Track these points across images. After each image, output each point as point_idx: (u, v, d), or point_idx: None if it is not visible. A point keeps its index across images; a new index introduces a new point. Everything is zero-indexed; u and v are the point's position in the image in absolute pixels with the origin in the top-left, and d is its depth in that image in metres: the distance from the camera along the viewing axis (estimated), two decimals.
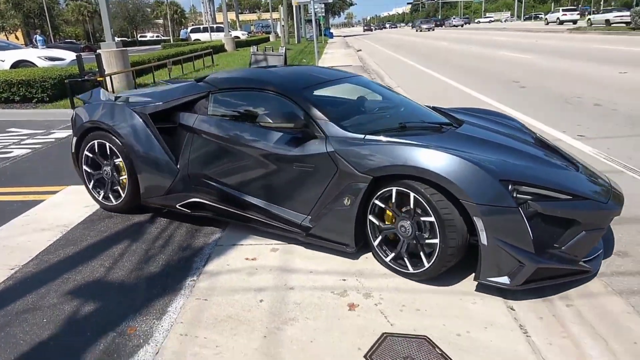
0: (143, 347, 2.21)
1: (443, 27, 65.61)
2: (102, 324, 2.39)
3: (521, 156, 2.84)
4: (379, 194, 2.73)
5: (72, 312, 2.53)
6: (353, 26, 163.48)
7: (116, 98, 3.97)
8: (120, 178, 3.70)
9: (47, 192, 4.43)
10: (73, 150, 3.93)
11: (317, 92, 3.38)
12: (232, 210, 3.27)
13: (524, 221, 2.38)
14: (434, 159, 2.52)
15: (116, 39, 10.98)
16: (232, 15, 51.87)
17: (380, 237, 2.81)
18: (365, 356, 2.08)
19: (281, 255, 3.02)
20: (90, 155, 3.81)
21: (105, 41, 9.60)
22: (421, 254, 2.63)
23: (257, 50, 9.28)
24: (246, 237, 3.29)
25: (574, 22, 40.45)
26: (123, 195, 3.70)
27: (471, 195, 2.39)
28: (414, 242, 2.66)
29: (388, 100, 3.83)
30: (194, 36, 40.82)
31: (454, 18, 76.55)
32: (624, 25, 24.30)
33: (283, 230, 3.08)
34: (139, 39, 57.81)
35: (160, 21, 74.25)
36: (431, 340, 2.17)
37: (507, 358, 2.03)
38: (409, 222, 2.64)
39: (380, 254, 2.82)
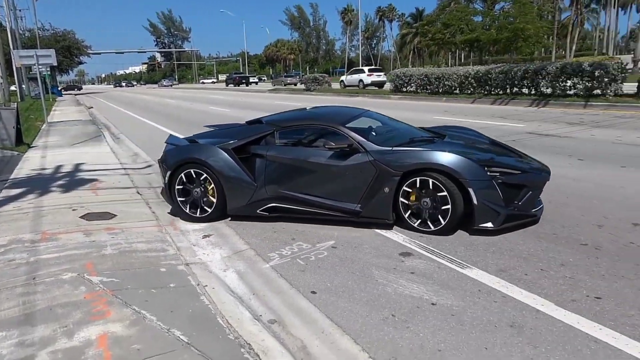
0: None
1: (157, 86, 78.85)
2: None
3: (486, 151, 4.77)
4: (407, 182, 4.21)
5: None
6: (80, 85, 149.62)
7: (190, 140, 5.42)
8: (209, 196, 4.93)
9: None
10: (166, 181, 5.08)
11: (350, 125, 4.84)
12: (302, 208, 4.67)
13: (496, 187, 4.04)
14: (443, 157, 4.11)
15: None
16: None
17: (409, 211, 4.34)
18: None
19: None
20: (185, 180, 4.99)
21: None
22: (440, 217, 4.16)
23: None
24: None
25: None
26: (212, 209, 4.94)
27: (465, 176, 4.00)
28: (433, 211, 4.20)
29: (391, 125, 5.52)
30: None
31: (164, 79, 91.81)
32: (303, 87, 34.01)
33: (340, 217, 4.54)
34: None
35: None
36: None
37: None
38: (428, 198, 4.22)
39: (410, 222, 4.34)
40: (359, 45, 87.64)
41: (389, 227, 4.52)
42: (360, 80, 32.05)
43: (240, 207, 4.89)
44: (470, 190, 3.99)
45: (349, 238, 4.41)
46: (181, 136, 5.86)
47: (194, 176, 4.97)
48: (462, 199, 4.05)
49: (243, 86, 55.56)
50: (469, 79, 19.05)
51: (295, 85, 46.99)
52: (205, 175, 4.90)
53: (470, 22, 31.36)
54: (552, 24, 45.79)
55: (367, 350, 2.68)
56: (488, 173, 4.12)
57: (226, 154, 4.87)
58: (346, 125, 4.75)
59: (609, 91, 14.80)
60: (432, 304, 3.16)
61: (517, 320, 2.90)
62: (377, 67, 44.08)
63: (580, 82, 15.34)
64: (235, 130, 5.50)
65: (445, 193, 4.07)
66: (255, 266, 3.95)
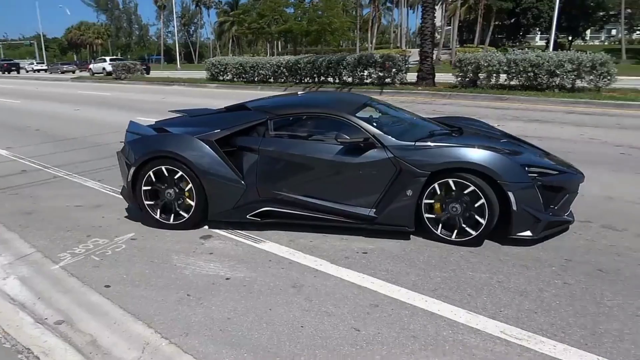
0: None
1: None
2: None
3: (515, 147, 4.10)
4: (434, 184, 3.61)
5: None
6: None
7: (157, 129, 4.47)
8: (186, 199, 4.14)
9: None
10: (129, 179, 4.18)
11: (359, 114, 4.12)
12: (302, 213, 3.96)
13: (537, 191, 3.51)
14: (477, 155, 3.53)
15: None
16: None
17: (432, 217, 3.75)
18: None
19: None
20: (155, 179, 4.15)
21: None
22: (471, 225, 3.60)
23: None
24: None
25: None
26: (189, 214, 4.15)
27: (505, 177, 3.44)
28: (463, 218, 3.63)
29: (396, 115, 4.79)
30: None
31: None
32: (109, 75, 32.17)
33: (350, 223, 3.87)
34: None
35: None
36: None
37: None
38: (457, 204, 3.63)
39: (432, 229, 3.76)
40: (175, 31, 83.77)
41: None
42: (104, 68, 37.15)
43: (225, 212, 4.16)
44: (510, 194, 3.46)
45: (150, 228, 4.37)
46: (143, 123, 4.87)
47: (167, 174, 4.18)
48: (499, 204, 3.53)
49: (14, 73, 52.65)
50: (282, 68, 19.99)
51: (73, 72, 48.32)
52: (181, 172, 4.11)
53: (283, 13, 32.73)
54: (355, 18, 50.47)
55: (159, 332, 2.76)
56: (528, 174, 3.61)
57: (208, 147, 4.10)
58: (358, 116, 4.07)
59: (396, 80, 17.13)
60: (227, 278, 3.38)
61: (298, 281, 3.31)
62: (119, 57, 51.82)
63: (374, 72, 17.42)
64: (213, 118, 4.62)
65: (481, 198, 3.53)
66: (42, 269, 3.65)
